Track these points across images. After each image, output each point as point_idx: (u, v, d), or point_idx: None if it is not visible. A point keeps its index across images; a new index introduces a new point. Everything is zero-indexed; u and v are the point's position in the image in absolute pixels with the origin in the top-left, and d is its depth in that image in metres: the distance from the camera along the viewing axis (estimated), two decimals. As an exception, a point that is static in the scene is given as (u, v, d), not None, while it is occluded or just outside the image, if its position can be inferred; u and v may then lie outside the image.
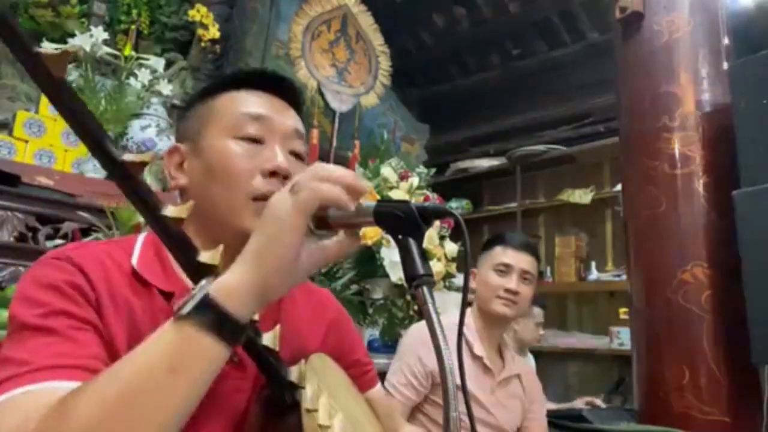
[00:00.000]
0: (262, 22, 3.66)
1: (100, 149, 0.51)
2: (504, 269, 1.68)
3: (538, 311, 2.81)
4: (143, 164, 0.52)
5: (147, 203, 0.54)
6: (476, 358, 1.62)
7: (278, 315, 0.79)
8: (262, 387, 0.70)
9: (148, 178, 2.10)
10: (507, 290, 1.64)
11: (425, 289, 0.58)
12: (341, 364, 0.85)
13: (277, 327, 0.66)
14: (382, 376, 1.34)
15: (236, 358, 0.70)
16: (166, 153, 0.80)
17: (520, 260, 1.68)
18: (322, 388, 0.72)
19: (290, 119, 0.80)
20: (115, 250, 0.71)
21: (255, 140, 0.75)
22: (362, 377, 0.90)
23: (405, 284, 0.65)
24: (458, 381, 0.56)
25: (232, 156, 0.74)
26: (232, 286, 0.53)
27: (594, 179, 4.00)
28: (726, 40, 2.04)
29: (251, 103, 0.77)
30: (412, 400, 1.57)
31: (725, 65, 2.04)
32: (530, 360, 2.92)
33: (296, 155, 0.79)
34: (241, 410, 0.71)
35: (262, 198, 0.71)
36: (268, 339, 0.65)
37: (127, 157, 0.52)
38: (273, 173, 0.74)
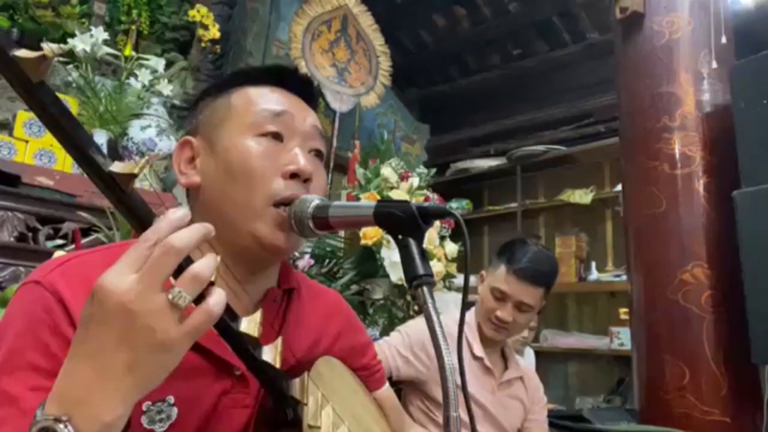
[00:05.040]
0: (262, 22, 3.67)
1: (85, 159, 0.47)
2: (500, 296, 1.55)
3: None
4: (132, 176, 0.47)
5: (142, 221, 0.49)
6: (476, 359, 1.61)
7: (282, 323, 0.77)
8: (264, 402, 0.69)
9: (149, 178, 2.10)
10: (497, 318, 1.54)
11: (425, 289, 0.58)
12: (351, 367, 0.84)
13: (279, 340, 0.65)
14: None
15: (238, 372, 0.68)
16: (176, 147, 0.76)
17: (520, 292, 1.52)
18: (328, 397, 0.72)
19: (310, 116, 0.78)
20: (113, 258, 0.68)
21: (275, 137, 0.73)
22: (371, 378, 0.90)
23: (405, 284, 0.64)
24: (458, 381, 0.56)
25: (253, 155, 0.70)
26: (106, 421, 0.46)
27: (594, 179, 4.00)
28: (726, 40, 2.04)
29: (271, 99, 0.75)
30: (395, 360, 1.54)
31: (725, 65, 2.04)
32: (529, 355, 2.90)
33: (316, 153, 0.77)
34: (243, 426, 0.68)
35: (283, 203, 0.69)
36: (269, 352, 0.62)
37: (115, 167, 0.47)
38: (294, 175, 0.71)
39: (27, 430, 0.46)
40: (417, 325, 1.61)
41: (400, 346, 1.56)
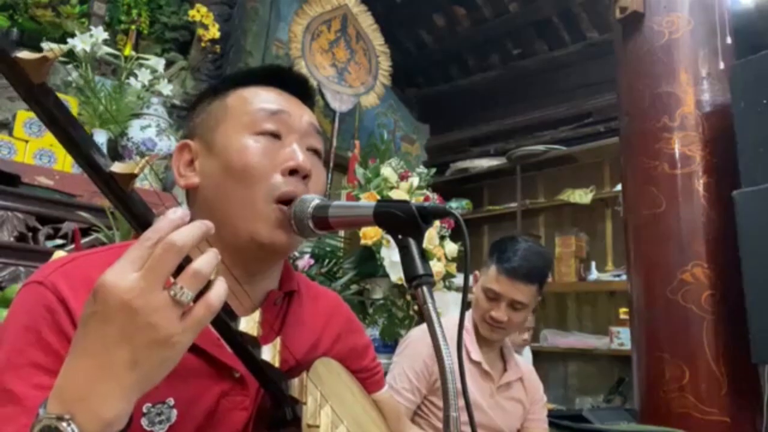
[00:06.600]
0: (262, 22, 3.67)
1: (86, 159, 0.48)
2: (492, 296, 1.53)
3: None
4: (132, 176, 0.48)
5: (142, 220, 0.50)
6: (474, 363, 1.60)
7: (282, 323, 0.77)
8: (262, 403, 0.69)
9: (149, 178, 2.10)
10: (492, 318, 1.54)
11: (425, 289, 0.58)
12: (350, 369, 0.84)
13: (278, 339, 0.65)
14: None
15: (237, 374, 0.68)
16: (175, 150, 0.77)
17: (512, 290, 1.51)
18: (326, 398, 0.72)
19: (306, 114, 0.78)
20: (114, 259, 0.68)
21: (273, 135, 0.73)
22: (370, 380, 0.90)
23: (405, 284, 0.64)
24: (458, 382, 0.56)
25: (251, 152, 0.71)
26: (107, 418, 0.46)
27: (594, 179, 4.00)
28: (726, 40, 2.04)
29: (267, 99, 0.75)
30: (415, 403, 1.56)
31: (725, 65, 2.04)
32: (527, 353, 2.90)
33: (314, 151, 0.77)
34: (242, 427, 0.69)
35: (284, 199, 0.70)
36: (268, 352, 0.62)
37: (115, 167, 0.48)
38: (292, 171, 0.71)
39: (30, 428, 0.46)
40: (413, 350, 1.58)
41: (406, 383, 1.54)
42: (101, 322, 0.46)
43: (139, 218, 0.50)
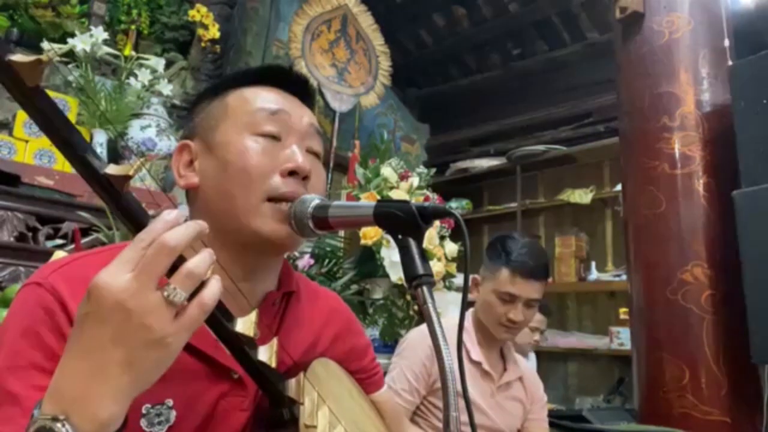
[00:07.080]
0: (262, 22, 3.66)
1: (81, 161, 0.48)
2: (509, 299, 1.54)
3: (538, 317, 2.68)
4: (127, 178, 0.48)
5: (137, 222, 0.50)
6: (474, 363, 1.60)
7: (280, 324, 0.77)
8: (261, 404, 0.69)
9: (148, 179, 2.10)
10: (510, 320, 1.54)
11: (425, 289, 0.58)
12: (348, 369, 0.84)
13: (274, 340, 0.64)
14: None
15: (236, 375, 0.68)
16: (174, 151, 0.77)
17: (528, 290, 1.53)
18: (324, 398, 0.71)
19: (306, 115, 0.78)
20: (112, 259, 0.68)
21: (273, 137, 0.73)
22: (369, 380, 0.89)
23: (405, 284, 0.64)
24: (458, 383, 0.56)
25: (250, 153, 0.70)
26: (103, 418, 0.46)
27: (594, 179, 4.00)
28: (726, 40, 2.04)
29: (267, 99, 0.75)
30: (414, 404, 1.56)
31: (725, 65, 2.04)
32: (531, 359, 2.90)
33: (314, 153, 0.77)
34: (241, 428, 0.69)
35: (278, 199, 0.70)
36: (264, 353, 0.62)
37: (110, 169, 0.48)
38: (291, 173, 0.71)
39: (26, 429, 0.46)
40: (412, 352, 1.58)
41: (405, 384, 1.54)
42: (95, 323, 0.46)
43: (134, 220, 0.50)
